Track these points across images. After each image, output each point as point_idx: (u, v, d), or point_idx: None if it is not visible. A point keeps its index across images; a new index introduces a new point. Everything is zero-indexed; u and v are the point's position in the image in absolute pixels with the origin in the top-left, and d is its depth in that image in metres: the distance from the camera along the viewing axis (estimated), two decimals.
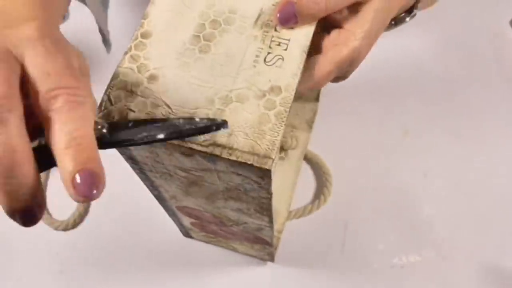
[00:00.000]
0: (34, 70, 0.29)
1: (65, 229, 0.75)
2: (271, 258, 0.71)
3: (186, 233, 0.72)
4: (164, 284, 0.72)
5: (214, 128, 0.34)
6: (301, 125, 0.78)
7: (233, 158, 0.35)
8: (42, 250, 0.74)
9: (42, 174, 0.77)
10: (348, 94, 0.82)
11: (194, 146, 0.35)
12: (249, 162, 0.35)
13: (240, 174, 0.37)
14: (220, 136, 0.35)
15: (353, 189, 0.76)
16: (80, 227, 0.76)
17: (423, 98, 0.82)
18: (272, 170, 0.35)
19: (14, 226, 0.76)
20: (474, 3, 0.88)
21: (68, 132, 0.28)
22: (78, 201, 0.28)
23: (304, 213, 0.75)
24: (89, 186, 0.27)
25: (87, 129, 0.28)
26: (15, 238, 0.75)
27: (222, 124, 0.34)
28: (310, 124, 0.78)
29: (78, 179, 0.27)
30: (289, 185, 0.75)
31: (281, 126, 0.36)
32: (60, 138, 0.28)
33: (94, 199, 0.28)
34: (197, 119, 0.33)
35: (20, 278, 0.73)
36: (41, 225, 0.75)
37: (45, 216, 0.75)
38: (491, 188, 0.75)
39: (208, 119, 0.33)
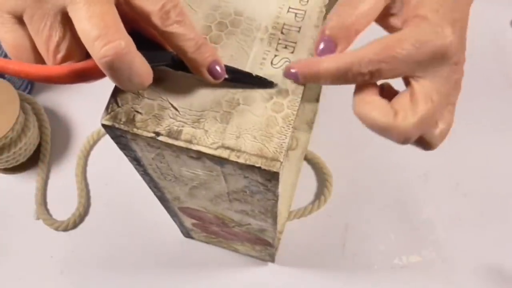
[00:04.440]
0: None
1: (65, 229, 0.74)
2: (272, 259, 0.71)
3: (187, 234, 0.72)
4: (164, 284, 0.72)
5: (265, 84, 0.38)
6: (301, 125, 0.78)
7: (241, 160, 0.35)
8: (42, 250, 0.74)
9: (43, 175, 0.77)
10: (348, 95, 0.81)
11: (202, 149, 0.35)
12: (257, 165, 0.35)
13: (247, 177, 0.37)
14: (228, 138, 0.35)
15: (354, 190, 0.76)
16: (80, 228, 0.75)
17: None
18: (280, 172, 0.35)
19: (14, 226, 0.76)
20: (474, 3, 0.88)
21: (191, 38, 0.34)
22: (211, 81, 0.37)
23: (305, 213, 0.75)
24: (221, 70, 0.36)
25: (198, 33, 0.35)
26: (16, 239, 0.75)
27: (271, 84, 0.38)
28: (310, 125, 0.78)
29: (215, 67, 0.36)
30: (290, 186, 0.75)
31: (289, 129, 0.36)
32: (189, 44, 0.34)
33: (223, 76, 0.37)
34: (254, 75, 0.38)
35: (20, 278, 0.72)
36: (41, 226, 0.75)
37: (45, 216, 0.74)
38: (491, 188, 0.76)
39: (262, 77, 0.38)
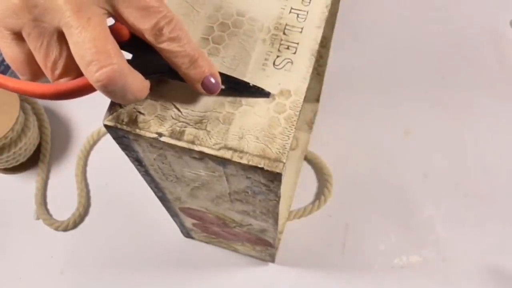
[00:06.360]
0: (132, 11, 0.33)
1: (65, 229, 0.74)
2: (272, 259, 0.71)
3: (187, 234, 0.72)
4: (164, 284, 0.72)
5: (261, 94, 0.37)
6: (302, 125, 0.78)
7: (244, 161, 0.35)
8: (42, 250, 0.74)
9: (43, 175, 0.76)
10: (348, 95, 0.82)
11: (205, 150, 0.35)
12: (260, 166, 0.35)
13: (250, 177, 0.37)
14: (231, 139, 0.35)
15: (354, 190, 0.76)
16: (80, 228, 0.75)
17: (423, 98, 0.82)
18: (283, 173, 0.35)
19: (14, 226, 0.76)
20: (474, 3, 0.89)
21: (185, 54, 0.34)
22: (205, 94, 0.37)
23: (305, 213, 0.75)
24: (217, 84, 0.36)
25: (194, 44, 0.35)
26: (16, 239, 0.74)
27: (267, 94, 0.37)
28: (310, 125, 0.78)
29: (212, 79, 0.36)
30: (290, 186, 0.75)
31: (292, 129, 0.36)
32: (183, 60, 0.34)
33: (218, 90, 0.37)
34: (251, 84, 0.37)
35: (20, 278, 0.72)
36: (41, 226, 0.74)
37: (45, 216, 0.74)
38: (491, 188, 0.76)
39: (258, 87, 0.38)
